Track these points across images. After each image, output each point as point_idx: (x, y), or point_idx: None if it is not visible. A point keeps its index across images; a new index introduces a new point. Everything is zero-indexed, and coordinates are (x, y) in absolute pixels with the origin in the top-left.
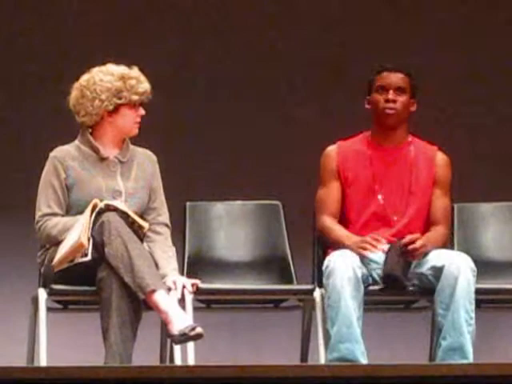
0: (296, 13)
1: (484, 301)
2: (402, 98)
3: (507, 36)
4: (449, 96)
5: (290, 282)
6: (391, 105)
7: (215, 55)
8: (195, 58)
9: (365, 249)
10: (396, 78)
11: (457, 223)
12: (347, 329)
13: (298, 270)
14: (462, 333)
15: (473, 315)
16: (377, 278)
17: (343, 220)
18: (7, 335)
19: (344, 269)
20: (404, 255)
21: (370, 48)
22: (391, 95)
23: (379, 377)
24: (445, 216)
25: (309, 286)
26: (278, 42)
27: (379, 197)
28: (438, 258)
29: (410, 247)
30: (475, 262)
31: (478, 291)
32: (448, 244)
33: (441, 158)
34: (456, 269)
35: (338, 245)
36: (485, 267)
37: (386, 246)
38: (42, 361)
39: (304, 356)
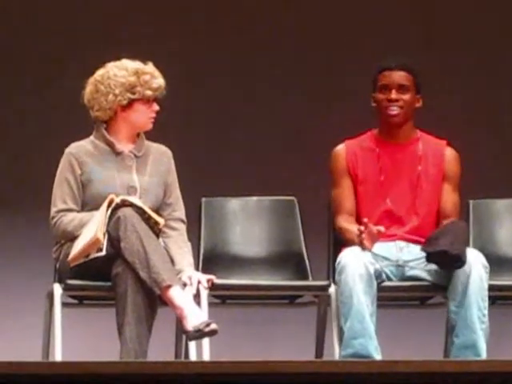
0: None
1: (499, 297)
2: (405, 97)
3: None
4: (465, 92)
5: (306, 278)
6: (394, 104)
7: (232, 52)
8: (212, 53)
9: (362, 243)
10: (398, 76)
11: (472, 219)
12: (360, 324)
13: (313, 266)
14: (475, 330)
15: (486, 312)
16: (389, 275)
17: (357, 218)
18: (23, 330)
19: (356, 265)
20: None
21: (379, 45)
22: (394, 94)
23: (394, 373)
24: (455, 210)
25: (324, 282)
26: (289, 39)
27: (389, 196)
28: None
29: None
30: (490, 258)
31: (492, 288)
32: None
33: (450, 153)
34: (468, 266)
35: (352, 244)
36: (500, 264)
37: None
38: (57, 356)
39: (319, 352)
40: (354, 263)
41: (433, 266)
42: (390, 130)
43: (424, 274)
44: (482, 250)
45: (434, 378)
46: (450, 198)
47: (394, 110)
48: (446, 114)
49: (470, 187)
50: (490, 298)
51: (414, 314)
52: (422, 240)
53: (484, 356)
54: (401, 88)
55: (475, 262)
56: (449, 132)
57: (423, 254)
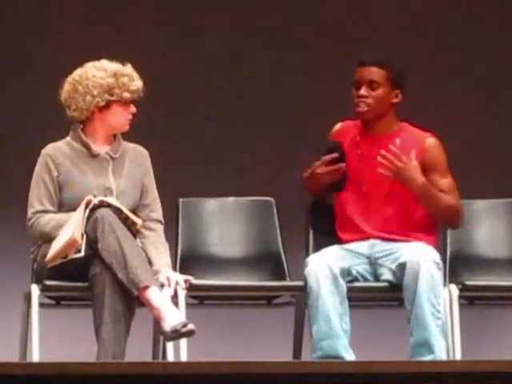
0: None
1: (477, 298)
2: (375, 93)
3: None
4: (451, 93)
5: (283, 278)
6: (362, 101)
7: (214, 54)
8: (193, 55)
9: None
10: (368, 72)
11: None
12: (327, 326)
13: (290, 267)
14: (428, 327)
15: (440, 308)
16: (364, 273)
17: (338, 198)
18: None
19: (319, 267)
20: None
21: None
22: (362, 91)
23: (371, 373)
24: (450, 191)
25: (301, 283)
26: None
27: (364, 184)
28: (403, 254)
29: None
30: (468, 259)
31: (470, 288)
32: (459, 215)
33: (429, 142)
34: (417, 263)
35: (311, 177)
36: (477, 264)
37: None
38: (35, 357)
39: (297, 352)
40: (317, 265)
41: (391, 266)
42: (365, 123)
43: (386, 274)
44: (460, 250)
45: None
46: (442, 183)
47: (361, 107)
48: (432, 113)
49: None
50: (467, 298)
51: (391, 313)
52: (395, 237)
53: (440, 353)
54: (371, 84)
55: (424, 259)
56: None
57: (392, 251)
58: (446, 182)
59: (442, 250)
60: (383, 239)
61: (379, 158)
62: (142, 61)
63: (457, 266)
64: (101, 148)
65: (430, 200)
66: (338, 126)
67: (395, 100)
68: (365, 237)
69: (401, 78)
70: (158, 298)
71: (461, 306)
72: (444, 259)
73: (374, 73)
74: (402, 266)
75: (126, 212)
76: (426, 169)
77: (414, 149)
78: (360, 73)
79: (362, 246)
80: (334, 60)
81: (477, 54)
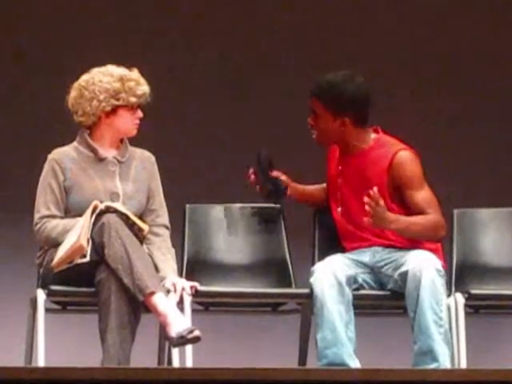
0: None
1: (483, 306)
2: (316, 123)
3: None
4: (450, 101)
5: (289, 285)
6: (312, 129)
7: (215, 58)
8: (196, 60)
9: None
10: (310, 102)
11: (456, 229)
12: (332, 334)
13: (296, 274)
14: (431, 335)
15: (443, 315)
16: (369, 281)
17: (332, 212)
18: (6, 336)
19: (324, 275)
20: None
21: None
22: (309, 119)
23: (376, 381)
24: (428, 204)
25: (307, 290)
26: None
27: (338, 209)
28: (406, 262)
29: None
30: (474, 267)
31: (475, 297)
32: (439, 230)
33: (399, 157)
34: (418, 271)
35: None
36: (484, 273)
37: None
38: (40, 361)
39: (302, 359)
40: (323, 273)
41: (393, 274)
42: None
43: (390, 282)
44: (465, 259)
45: None
46: (415, 199)
47: (313, 134)
48: (433, 122)
49: (454, 196)
50: (473, 306)
51: (396, 321)
52: (397, 244)
53: (443, 361)
54: (313, 114)
55: (426, 266)
56: (432, 140)
57: (394, 259)
58: (420, 196)
59: (447, 258)
60: (385, 246)
61: (366, 207)
62: (149, 65)
63: (462, 274)
64: (108, 152)
65: (406, 232)
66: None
67: (342, 128)
68: (367, 245)
69: (342, 105)
70: (164, 303)
71: (466, 314)
72: (450, 268)
73: (314, 104)
74: (404, 274)
75: (133, 218)
76: (399, 185)
77: (378, 168)
78: (309, 102)
79: (365, 255)
80: None
81: (475, 59)
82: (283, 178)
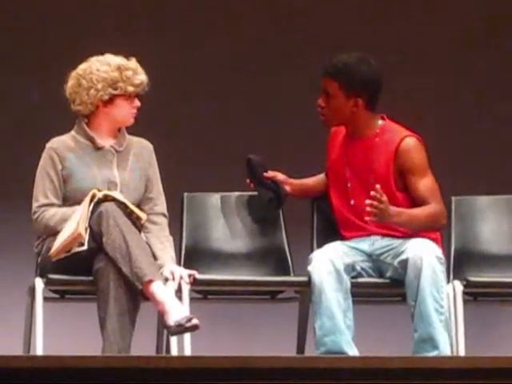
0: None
1: (481, 294)
2: (330, 103)
3: None
4: (449, 90)
5: (287, 273)
6: (320, 111)
7: (214, 52)
8: (195, 53)
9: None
10: (324, 82)
11: (454, 216)
12: (330, 321)
13: (295, 262)
14: (431, 323)
15: (443, 303)
16: (368, 270)
17: (332, 201)
18: (4, 325)
19: (323, 263)
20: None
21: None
22: (320, 100)
23: (375, 369)
24: (431, 193)
25: (305, 278)
26: (275, 39)
27: (349, 185)
28: (406, 250)
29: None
30: (472, 255)
31: (474, 285)
32: (440, 219)
33: (405, 143)
34: (419, 258)
35: None
36: (482, 260)
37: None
38: (39, 350)
39: (300, 348)
40: (321, 261)
41: (393, 262)
42: (346, 127)
43: (389, 270)
44: (464, 246)
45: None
46: (419, 186)
47: (321, 116)
48: (430, 110)
49: (452, 184)
50: (471, 294)
51: (395, 309)
52: (396, 233)
53: (444, 348)
54: (325, 94)
55: (427, 254)
56: (432, 128)
57: (393, 246)
58: (423, 183)
59: (446, 246)
60: (384, 235)
61: (367, 209)
62: (146, 56)
63: (461, 262)
64: (105, 141)
65: (408, 226)
66: (333, 128)
67: (354, 109)
68: (366, 234)
69: (357, 86)
70: (162, 292)
71: (465, 302)
72: (448, 255)
73: (327, 83)
74: (404, 262)
75: (131, 206)
76: (402, 171)
77: (385, 153)
78: (321, 82)
79: (364, 243)
80: None
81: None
82: (280, 177)
